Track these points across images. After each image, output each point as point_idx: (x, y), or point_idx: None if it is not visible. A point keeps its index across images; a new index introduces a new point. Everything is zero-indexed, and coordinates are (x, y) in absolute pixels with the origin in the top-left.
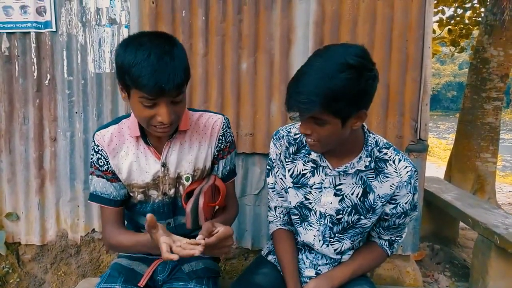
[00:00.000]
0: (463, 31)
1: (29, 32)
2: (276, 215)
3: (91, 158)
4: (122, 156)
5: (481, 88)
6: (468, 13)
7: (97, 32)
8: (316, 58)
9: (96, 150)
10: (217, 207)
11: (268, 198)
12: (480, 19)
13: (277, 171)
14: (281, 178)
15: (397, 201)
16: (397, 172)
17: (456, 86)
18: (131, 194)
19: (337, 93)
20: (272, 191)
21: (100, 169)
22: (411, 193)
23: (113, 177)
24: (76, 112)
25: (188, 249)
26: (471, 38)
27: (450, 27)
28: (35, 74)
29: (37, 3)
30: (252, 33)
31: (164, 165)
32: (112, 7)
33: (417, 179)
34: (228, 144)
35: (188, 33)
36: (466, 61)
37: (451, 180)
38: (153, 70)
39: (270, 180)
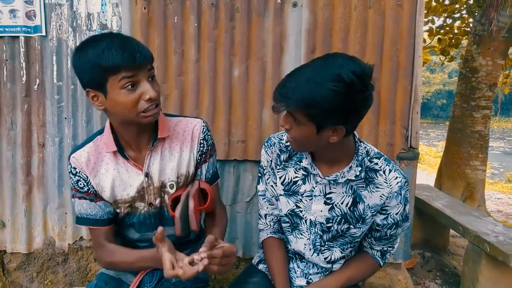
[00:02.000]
0: (453, 40)
1: (18, 37)
2: (267, 223)
3: (71, 181)
4: (103, 174)
5: (470, 97)
6: (457, 23)
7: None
8: (317, 60)
9: (74, 172)
10: (203, 211)
11: (259, 206)
12: (468, 29)
13: (268, 178)
14: (271, 186)
15: (388, 212)
16: (387, 183)
17: (445, 94)
18: (117, 210)
19: (316, 100)
20: (263, 199)
21: (81, 191)
22: (401, 204)
23: (96, 197)
24: (65, 118)
25: (190, 271)
26: (460, 48)
27: (440, 36)
28: (24, 78)
29: (27, 7)
30: (245, 40)
31: (147, 175)
32: (103, 12)
33: (407, 189)
34: (209, 147)
35: (180, 39)
36: (456, 70)
37: (442, 187)
38: (121, 46)
39: (261, 187)
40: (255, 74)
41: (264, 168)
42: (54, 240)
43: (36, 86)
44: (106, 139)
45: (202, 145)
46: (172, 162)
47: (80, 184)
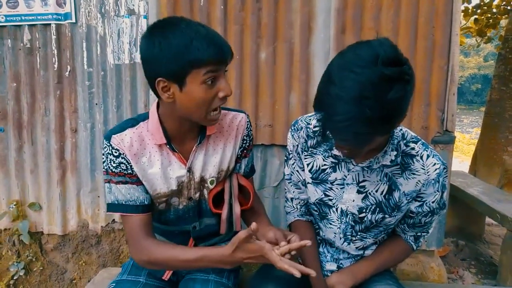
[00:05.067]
0: (490, 20)
1: (49, 24)
2: (293, 206)
3: (108, 165)
4: (144, 163)
5: (509, 79)
6: (496, 1)
7: (116, 23)
8: (348, 73)
9: (116, 154)
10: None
11: (285, 189)
12: (509, 7)
13: (294, 163)
14: (297, 171)
15: (423, 199)
16: (424, 169)
17: (480, 78)
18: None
19: (391, 116)
20: (289, 182)
21: (121, 174)
22: (439, 191)
23: (138, 180)
24: (96, 104)
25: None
26: (498, 28)
27: (476, 16)
28: (56, 65)
29: None
30: (272, 21)
31: (189, 169)
32: None
33: (446, 176)
34: (250, 142)
35: (206, 22)
36: (492, 53)
37: (476, 174)
38: (210, 39)
39: (287, 171)
40: (283, 56)
41: (290, 152)
42: (88, 223)
43: (67, 73)
44: (153, 129)
45: (245, 141)
46: (215, 158)
47: (123, 166)
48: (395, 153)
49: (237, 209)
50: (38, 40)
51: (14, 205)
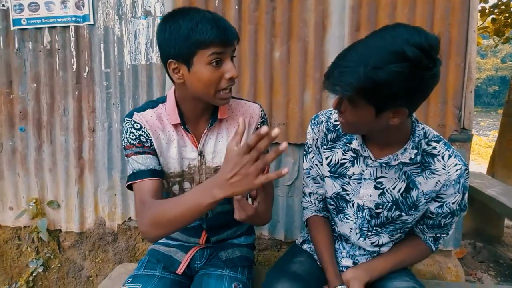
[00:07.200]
0: (509, 20)
1: (68, 26)
2: (311, 201)
3: (127, 139)
4: (164, 141)
5: None
6: None
7: (132, 25)
8: (373, 37)
9: (137, 127)
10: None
11: (303, 184)
12: None
13: (313, 157)
14: (316, 165)
15: (443, 200)
16: (445, 169)
17: (498, 80)
18: (164, 184)
19: (378, 85)
20: (307, 177)
21: (143, 144)
22: (459, 193)
23: (155, 152)
24: (113, 104)
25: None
26: None
27: (494, 16)
28: (74, 66)
29: None
30: (286, 20)
31: (201, 153)
32: None
33: (467, 178)
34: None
35: None
36: (509, 54)
37: (495, 176)
38: (215, 22)
39: (305, 165)
40: (297, 55)
41: (310, 146)
42: (104, 220)
43: (85, 74)
44: (169, 110)
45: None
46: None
47: (142, 139)
48: (415, 151)
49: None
50: (58, 42)
51: (34, 203)
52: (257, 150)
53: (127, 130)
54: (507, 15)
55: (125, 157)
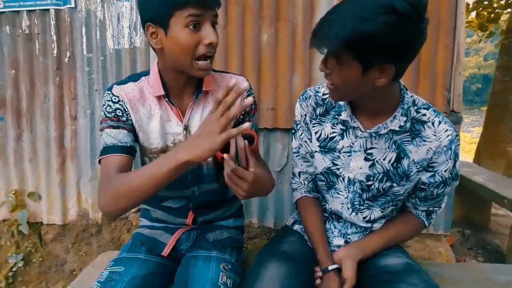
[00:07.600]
0: (492, 15)
1: (48, 9)
2: (301, 182)
3: (104, 111)
4: (144, 115)
5: None
6: None
7: (115, 7)
8: None
9: (115, 101)
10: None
11: (292, 165)
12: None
13: (301, 133)
14: (305, 141)
15: (435, 169)
16: (436, 136)
17: (480, 78)
18: (146, 160)
19: (366, 37)
20: (297, 156)
21: (119, 118)
22: (451, 159)
23: (132, 127)
24: (96, 90)
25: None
26: (499, 23)
27: (477, 11)
28: (55, 51)
29: None
30: (273, 2)
31: (186, 128)
32: None
33: (458, 144)
34: (252, 105)
35: None
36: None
37: (480, 166)
38: None
39: (294, 144)
40: (285, 37)
41: (298, 123)
42: (88, 212)
43: (67, 59)
44: (152, 82)
45: None
46: None
47: (118, 113)
48: (404, 118)
49: (240, 143)
50: (37, 26)
51: (13, 194)
52: (224, 104)
53: (105, 103)
54: (490, 10)
55: (99, 131)
